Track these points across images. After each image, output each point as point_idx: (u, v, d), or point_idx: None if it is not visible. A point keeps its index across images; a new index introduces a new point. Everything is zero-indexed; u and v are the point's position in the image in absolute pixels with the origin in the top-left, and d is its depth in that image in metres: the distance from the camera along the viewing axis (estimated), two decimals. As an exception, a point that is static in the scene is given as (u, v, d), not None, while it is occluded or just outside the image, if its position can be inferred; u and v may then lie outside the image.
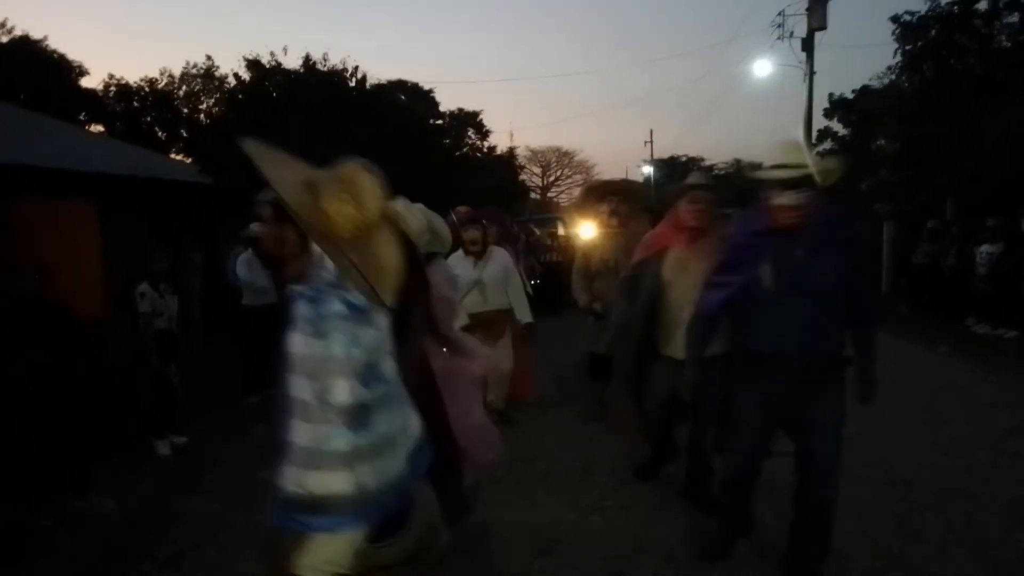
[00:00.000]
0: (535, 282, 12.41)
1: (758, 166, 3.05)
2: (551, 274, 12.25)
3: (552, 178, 48.83)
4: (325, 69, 12.87)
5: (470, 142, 22.06)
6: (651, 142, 44.78)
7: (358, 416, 2.07)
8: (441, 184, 12.20)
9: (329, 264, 2.09)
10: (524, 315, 5.57)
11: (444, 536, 2.78)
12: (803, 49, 17.89)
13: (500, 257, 5.54)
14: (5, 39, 18.89)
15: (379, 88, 14.80)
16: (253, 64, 12.67)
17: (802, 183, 2.76)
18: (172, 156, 18.08)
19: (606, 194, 5.36)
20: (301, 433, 2.09)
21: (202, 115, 20.75)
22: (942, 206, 14.02)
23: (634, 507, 4.00)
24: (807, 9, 17.42)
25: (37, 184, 8.26)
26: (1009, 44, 14.10)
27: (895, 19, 14.96)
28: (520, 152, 37.26)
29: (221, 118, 14.89)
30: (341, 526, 2.10)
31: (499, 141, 32.30)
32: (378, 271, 2.02)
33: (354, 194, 2.00)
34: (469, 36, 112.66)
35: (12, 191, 8.34)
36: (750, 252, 2.92)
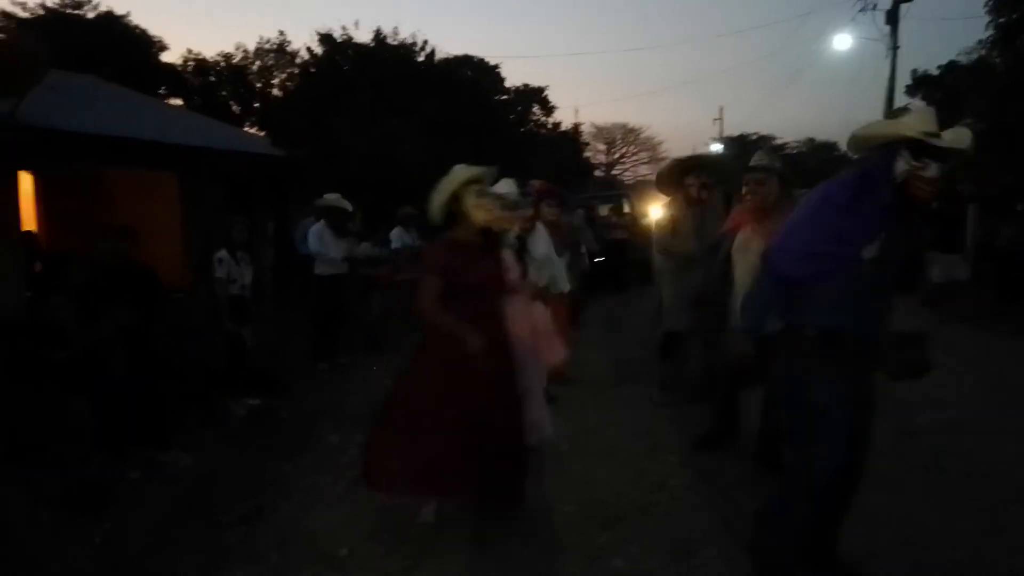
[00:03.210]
0: (598, 260, 12.35)
1: (832, 146, 2.89)
2: (616, 251, 12.16)
3: (617, 155, 48.05)
4: (395, 43, 12.97)
5: (535, 118, 21.90)
6: (721, 119, 43.55)
7: None
8: (506, 159, 12.19)
9: None
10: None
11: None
12: (887, 22, 17.07)
13: (543, 234, 5.46)
14: (91, 15, 19.61)
15: (446, 63, 14.82)
16: (325, 38, 12.88)
17: (947, 156, 2.50)
18: (246, 129, 18.52)
19: (694, 168, 5.23)
20: None
21: (275, 89, 21.17)
22: (1031, 189, 13.26)
23: (700, 487, 3.96)
24: (893, -21, 16.62)
25: (122, 154, 8.58)
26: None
27: (989, -11, 14.11)
28: (585, 128, 36.81)
29: (293, 92, 15.19)
30: None
31: (564, 117, 32.01)
32: None
33: None
34: (535, 10, 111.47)
35: (100, 160, 8.70)
36: (868, 223, 2.58)
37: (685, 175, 5.22)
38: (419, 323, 3.43)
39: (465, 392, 3.22)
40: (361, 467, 3.51)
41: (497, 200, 3.53)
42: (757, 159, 4.21)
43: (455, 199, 3.35)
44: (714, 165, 5.40)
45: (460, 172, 3.37)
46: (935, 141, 2.47)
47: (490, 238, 3.46)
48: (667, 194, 5.52)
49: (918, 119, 2.56)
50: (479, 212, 3.33)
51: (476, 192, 3.34)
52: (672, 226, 5.28)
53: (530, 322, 3.66)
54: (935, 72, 17.24)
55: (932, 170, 2.48)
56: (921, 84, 17.55)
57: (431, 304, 3.24)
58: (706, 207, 5.18)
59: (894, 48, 17.01)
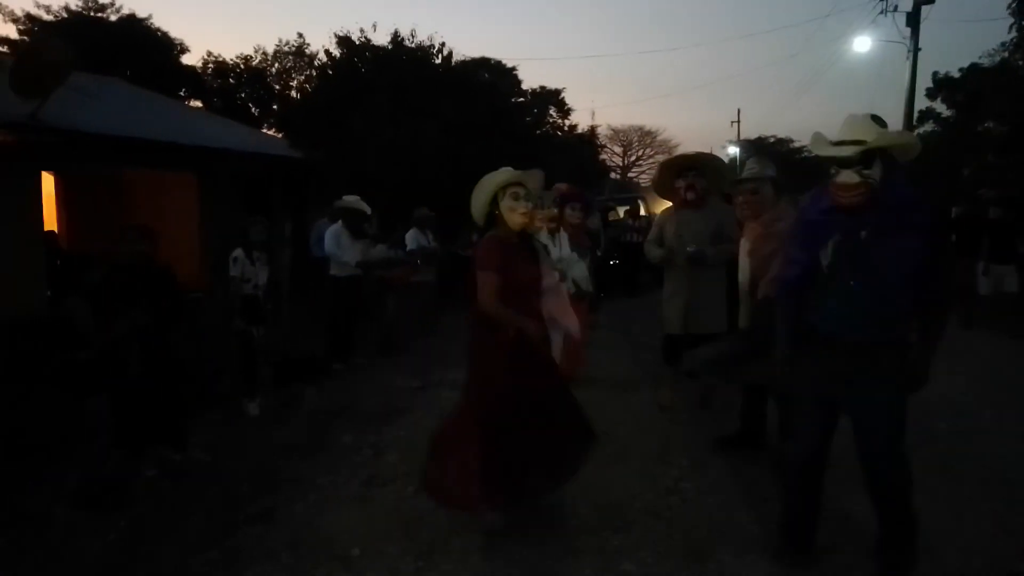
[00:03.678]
0: (613, 262, 12.33)
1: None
2: (631, 254, 12.11)
3: (633, 158, 47.99)
4: (413, 46, 12.98)
5: (551, 120, 21.85)
6: (738, 122, 43.25)
7: None
8: (523, 161, 12.16)
9: None
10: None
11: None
12: (908, 24, 16.86)
13: (564, 235, 5.57)
14: (114, 18, 19.84)
15: (464, 65, 14.82)
16: (344, 41, 12.90)
17: (862, 161, 2.62)
18: (265, 131, 18.64)
19: (683, 169, 5.10)
20: None
21: (293, 91, 21.29)
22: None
23: (714, 491, 3.94)
24: (915, -19, 16.41)
25: (142, 155, 8.69)
26: None
27: (1012, -9, 13.90)
28: (601, 131, 36.84)
29: (311, 94, 15.26)
30: None
31: (581, 120, 32.01)
32: None
33: None
34: (552, 13, 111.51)
35: (120, 161, 8.81)
36: (817, 230, 2.86)
37: (676, 177, 5.07)
38: (471, 327, 3.46)
39: (531, 385, 3.33)
40: (430, 477, 3.53)
41: (531, 203, 3.56)
42: (748, 170, 4.21)
43: (494, 200, 3.41)
44: (704, 165, 5.12)
45: (501, 174, 3.43)
46: (818, 151, 2.77)
47: (525, 239, 3.54)
48: (667, 199, 5.44)
49: (839, 131, 2.76)
50: (513, 215, 3.38)
51: (512, 195, 3.38)
52: (659, 231, 5.21)
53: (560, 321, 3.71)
54: (956, 75, 17.06)
55: (841, 176, 2.68)
56: (942, 87, 17.36)
57: (491, 299, 3.26)
58: (700, 210, 5.01)
59: (915, 50, 16.80)
